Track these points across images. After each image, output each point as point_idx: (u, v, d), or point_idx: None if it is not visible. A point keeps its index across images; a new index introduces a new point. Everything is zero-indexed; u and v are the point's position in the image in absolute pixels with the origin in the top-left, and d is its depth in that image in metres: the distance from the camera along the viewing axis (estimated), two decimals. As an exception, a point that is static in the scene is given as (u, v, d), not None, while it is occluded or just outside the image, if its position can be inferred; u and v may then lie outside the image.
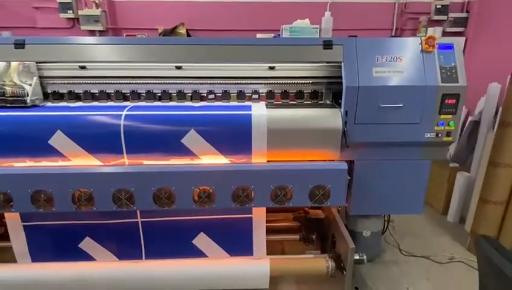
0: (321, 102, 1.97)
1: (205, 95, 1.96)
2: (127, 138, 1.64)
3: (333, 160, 1.80)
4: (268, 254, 1.95)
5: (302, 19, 2.17)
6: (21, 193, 1.62)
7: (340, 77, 1.81)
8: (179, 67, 1.88)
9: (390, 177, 1.90)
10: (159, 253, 1.93)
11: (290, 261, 1.85)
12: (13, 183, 1.61)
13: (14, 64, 1.75)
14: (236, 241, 1.97)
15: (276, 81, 1.92)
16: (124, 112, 1.67)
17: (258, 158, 1.74)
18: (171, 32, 3.41)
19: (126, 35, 3.64)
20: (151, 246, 1.94)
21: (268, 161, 1.75)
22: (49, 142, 1.63)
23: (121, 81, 1.89)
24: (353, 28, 3.06)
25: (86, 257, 1.92)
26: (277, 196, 1.72)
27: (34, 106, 1.76)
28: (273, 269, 1.77)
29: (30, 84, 1.77)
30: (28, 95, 1.71)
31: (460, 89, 1.73)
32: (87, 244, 1.90)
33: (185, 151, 1.70)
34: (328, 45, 1.74)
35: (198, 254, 1.96)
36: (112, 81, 1.88)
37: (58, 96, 1.89)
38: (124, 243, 1.93)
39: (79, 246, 1.90)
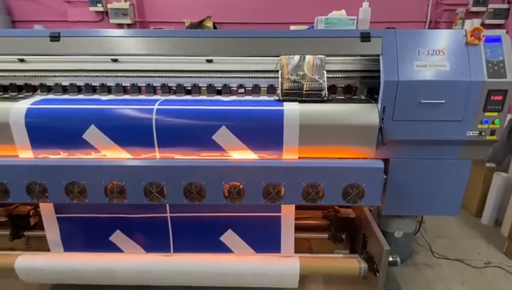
0: (355, 97, 1.89)
1: (235, 89, 1.92)
2: (159, 132, 1.64)
3: (366, 158, 1.74)
4: (295, 252, 1.92)
5: (338, 9, 2.09)
6: (56, 184, 1.64)
7: (377, 71, 1.73)
8: (209, 61, 1.85)
9: (427, 176, 1.81)
10: (187, 248, 1.93)
11: (320, 260, 1.81)
12: (49, 175, 1.63)
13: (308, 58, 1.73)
14: (263, 238, 1.94)
15: (309, 75, 1.86)
16: (156, 106, 1.66)
17: (289, 154, 1.70)
18: (198, 25, 3.38)
19: (153, 29, 3.66)
20: (179, 241, 1.94)
21: (299, 158, 1.71)
22: (83, 136, 1.64)
23: (152, 75, 1.88)
24: (382, 21, 2.94)
25: (115, 248, 1.94)
26: (309, 194, 1.67)
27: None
28: (303, 268, 1.73)
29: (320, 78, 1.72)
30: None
31: (508, 85, 1.61)
32: (117, 237, 1.92)
33: (215, 147, 1.68)
34: (366, 37, 1.67)
35: (225, 250, 1.95)
36: (143, 75, 1.87)
37: (91, 89, 1.90)
38: (152, 237, 1.94)
39: (109, 238, 1.92)
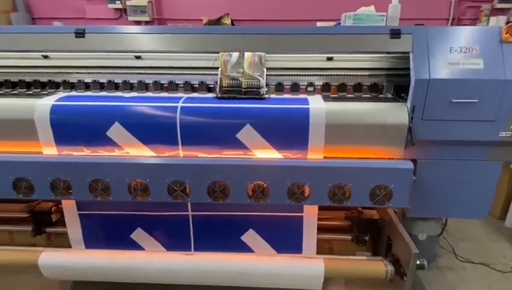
0: (381, 96, 1.85)
1: (258, 87, 1.89)
2: (183, 130, 1.62)
3: (393, 158, 1.69)
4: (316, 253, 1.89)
5: (366, 5, 2.03)
6: (80, 181, 1.64)
7: (404, 69, 1.69)
8: (231, 58, 1.82)
9: (456, 178, 1.75)
10: (207, 247, 1.92)
11: (345, 262, 1.77)
12: (73, 172, 1.63)
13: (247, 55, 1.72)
14: (285, 239, 1.91)
15: (333, 73, 1.82)
16: (180, 104, 1.64)
17: (314, 154, 1.66)
18: (216, 22, 3.36)
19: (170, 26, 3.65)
20: (200, 240, 1.93)
21: (324, 157, 1.67)
22: (107, 133, 1.63)
23: (174, 72, 1.86)
24: (401, 18, 2.86)
25: (136, 246, 1.94)
26: (335, 195, 1.63)
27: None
28: (328, 270, 1.69)
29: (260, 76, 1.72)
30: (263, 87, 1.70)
31: (544, 84, 1.55)
32: (139, 234, 1.92)
33: (239, 145, 1.66)
34: (395, 33, 1.62)
35: (246, 249, 1.93)
36: (166, 72, 1.86)
37: (113, 86, 1.90)
38: (173, 235, 1.93)
39: (130, 236, 1.92)
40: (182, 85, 1.88)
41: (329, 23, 2.45)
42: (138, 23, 3.64)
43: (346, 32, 1.70)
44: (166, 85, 1.89)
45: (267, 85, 1.87)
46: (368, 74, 1.80)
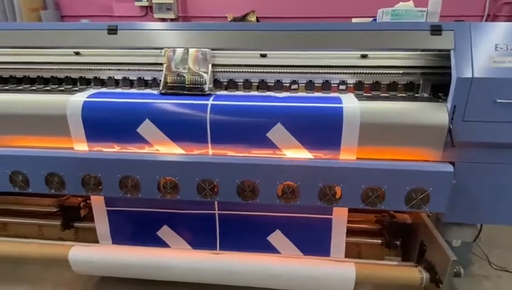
0: (417, 95, 1.77)
1: (288, 85, 1.85)
2: (212, 128, 1.60)
3: (428, 160, 1.62)
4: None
5: (404, 1, 1.95)
6: (111, 178, 1.64)
7: (444, 67, 1.61)
8: (263, 55, 1.79)
9: (498, 182, 1.66)
10: (233, 246, 1.90)
11: (377, 267, 1.71)
12: (104, 168, 1.64)
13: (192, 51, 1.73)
14: (312, 241, 1.87)
15: (367, 71, 1.75)
16: (210, 102, 1.62)
17: (347, 155, 1.61)
18: (241, 20, 3.34)
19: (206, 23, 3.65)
20: (225, 239, 1.91)
21: (357, 158, 1.62)
22: (138, 130, 1.63)
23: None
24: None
25: (162, 243, 1.94)
26: (368, 197, 1.58)
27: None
28: (359, 275, 1.63)
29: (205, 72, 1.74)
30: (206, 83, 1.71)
31: None
32: (165, 232, 1.91)
33: (269, 144, 1.62)
34: (436, 30, 1.54)
35: (272, 250, 1.90)
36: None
37: (143, 83, 1.89)
38: (199, 233, 1.92)
39: (157, 233, 1.92)
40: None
41: (365, 19, 2.36)
42: (163, 20, 3.66)
43: (383, 29, 1.64)
44: (195, 82, 1.87)
45: (296, 82, 1.84)
46: (405, 72, 1.73)
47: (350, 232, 1.91)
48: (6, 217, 2.22)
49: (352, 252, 2.03)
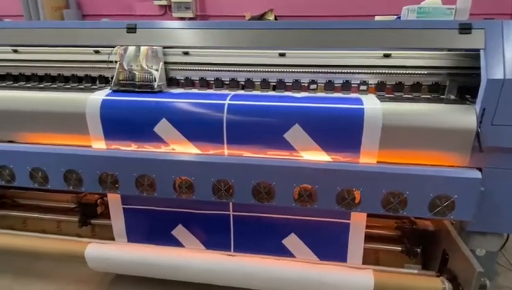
0: (443, 96, 1.69)
1: (306, 85, 1.81)
2: (229, 128, 1.58)
3: (453, 166, 1.54)
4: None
5: (431, -2, 1.88)
6: (127, 176, 1.65)
7: (472, 68, 1.53)
8: (282, 55, 1.75)
9: (527, 190, 1.57)
10: (247, 248, 1.87)
11: (397, 276, 1.65)
12: (121, 166, 1.64)
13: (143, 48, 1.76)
14: (329, 246, 1.82)
15: (390, 71, 1.69)
16: (227, 101, 1.59)
17: (367, 158, 1.55)
18: (260, 18, 3.31)
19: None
20: (240, 240, 1.88)
21: (377, 162, 1.56)
22: (154, 129, 1.62)
23: (221, 68, 1.81)
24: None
25: (176, 243, 1.93)
26: (389, 203, 1.52)
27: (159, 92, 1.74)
28: (378, 283, 1.57)
29: (157, 70, 1.77)
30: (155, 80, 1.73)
31: None
32: (179, 231, 1.91)
33: (286, 146, 1.58)
34: (466, 28, 1.47)
35: (287, 254, 1.86)
36: (213, 68, 1.82)
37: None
38: (214, 234, 1.90)
39: (171, 232, 1.91)
40: (227, 82, 1.84)
41: (389, 17, 2.29)
42: (182, 19, 3.68)
43: (408, 27, 1.57)
44: (212, 82, 1.85)
45: (315, 82, 1.79)
46: (427, 72, 1.66)
47: (368, 237, 1.85)
48: (26, 211, 2.27)
49: (369, 258, 1.96)
